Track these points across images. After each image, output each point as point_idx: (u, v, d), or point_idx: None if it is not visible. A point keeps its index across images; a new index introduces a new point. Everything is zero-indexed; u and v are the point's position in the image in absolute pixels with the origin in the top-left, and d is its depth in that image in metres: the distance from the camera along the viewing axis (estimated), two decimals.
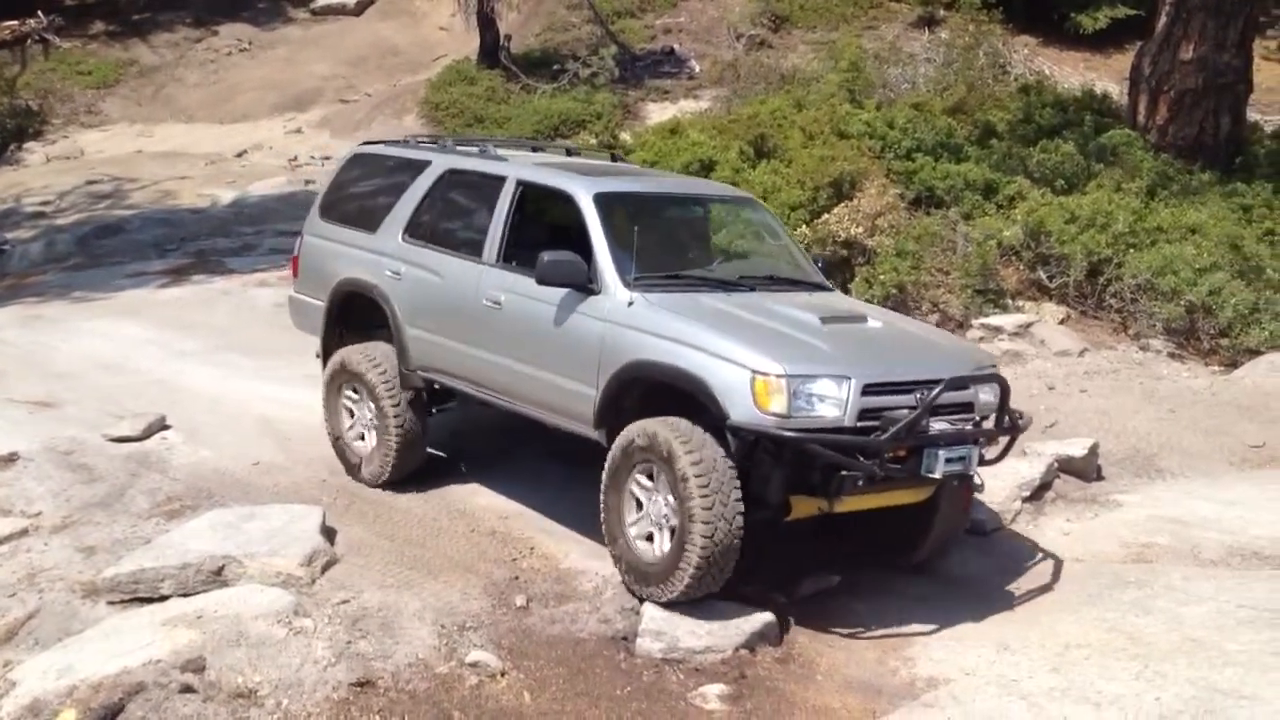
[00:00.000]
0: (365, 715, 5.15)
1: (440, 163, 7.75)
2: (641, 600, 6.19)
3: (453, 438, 8.32)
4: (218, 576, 6.15)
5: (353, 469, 7.82)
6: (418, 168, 7.84)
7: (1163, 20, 14.34)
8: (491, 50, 23.23)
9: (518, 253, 7.01)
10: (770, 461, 5.89)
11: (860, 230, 12.02)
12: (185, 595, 6.03)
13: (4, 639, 5.87)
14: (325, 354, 8.10)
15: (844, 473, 5.84)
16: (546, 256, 6.43)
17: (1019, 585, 6.83)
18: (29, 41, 25.96)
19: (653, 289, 6.47)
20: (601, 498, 6.32)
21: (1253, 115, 16.06)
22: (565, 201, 6.91)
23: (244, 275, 13.91)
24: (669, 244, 7.56)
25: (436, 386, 7.53)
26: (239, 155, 21.66)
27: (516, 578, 6.58)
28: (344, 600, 6.01)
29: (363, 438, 7.79)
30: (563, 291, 6.56)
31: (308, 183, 18.42)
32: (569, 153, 8.68)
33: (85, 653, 5.39)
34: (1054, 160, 13.55)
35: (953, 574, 6.99)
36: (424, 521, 7.26)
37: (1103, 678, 5.58)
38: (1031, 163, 13.67)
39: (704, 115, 17.64)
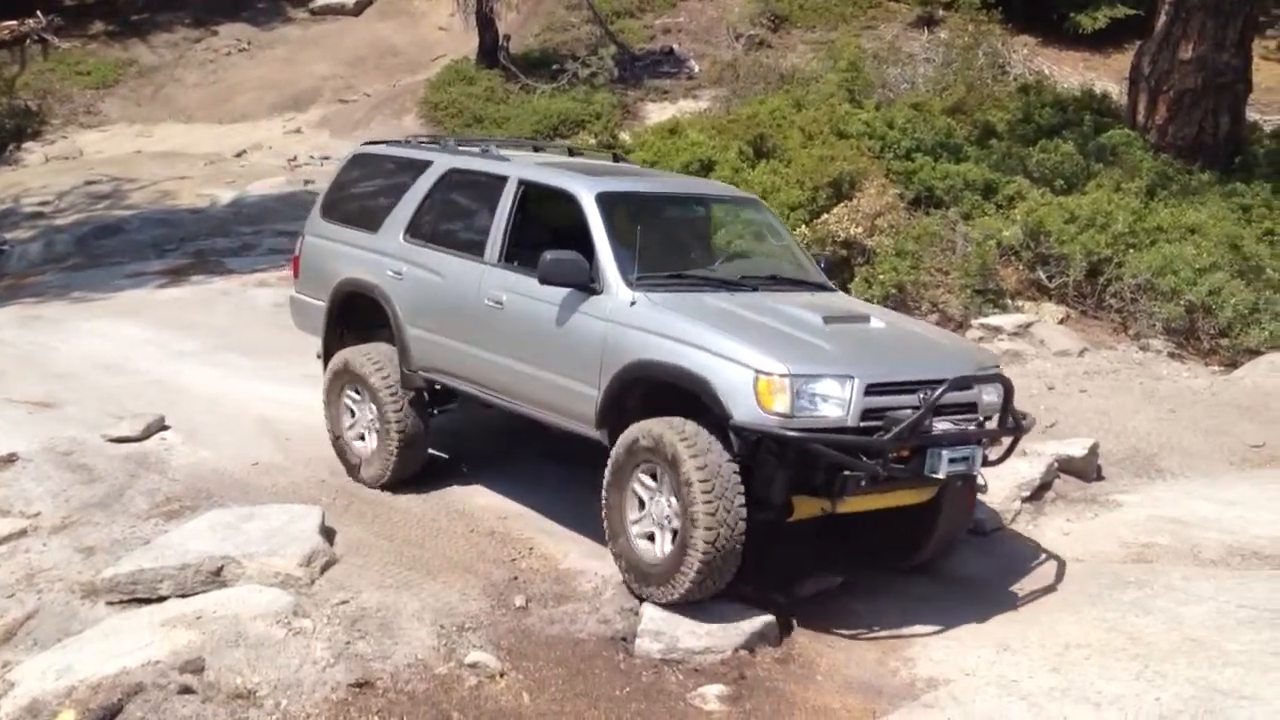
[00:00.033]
0: (364, 716, 5.15)
1: (442, 162, 7.74)
2: (641, 599, 6.18)
3: (453, 438, 8.31)
4: (217, 577, 6.15)
5: (352, 469, 7.81)
6: (419, 168, 7.84)
7: (1162, 20, 14.34)
8: (490, 50, 23.23)
9: (519, 252, 7.00)
10: (773, 462, 5.87)
11: (859, 230, 12.02)
12: (184, 596, 6.02)
13: (3, 639, 5.86)
14: (326, 354, 8.09)
15: (847, 473, 5.82)
16: (549, 256, 6.41)
17: (1019, 585, 6.83)
18: (28, 41, 25.95)
19: (655, 289, 6.45)
20: (603, 494, 6.30)
21: (1252, 115, 16.06)
22: (568, 201, 6.90)
23: (243, 275, 13.91)
24: (671, 244, 7.54)
25: (438, 387, 7.52)
26: (238, 155, 21.66)
27: (515, 578, 6.57)
28: (343, 601, 6.01)
29: (363, 438, 7.78)
30: (565, 291, 6.55)
31: (307, 183, 18.43)
32: (571, 153, 8.68)
33: (84, 653, 5.38)
34: (1053, 160, 13.56)
35: (953, 574, 6.99)
36: (423, 522, 7.26)
37: (1103, 678, 5.58)
38: (1031, 163, 13.67)
39: (703, 115, 17.65)
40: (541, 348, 6.71)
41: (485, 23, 23.19)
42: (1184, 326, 11.12)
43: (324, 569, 6.34)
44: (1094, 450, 8.31)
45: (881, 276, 11.41)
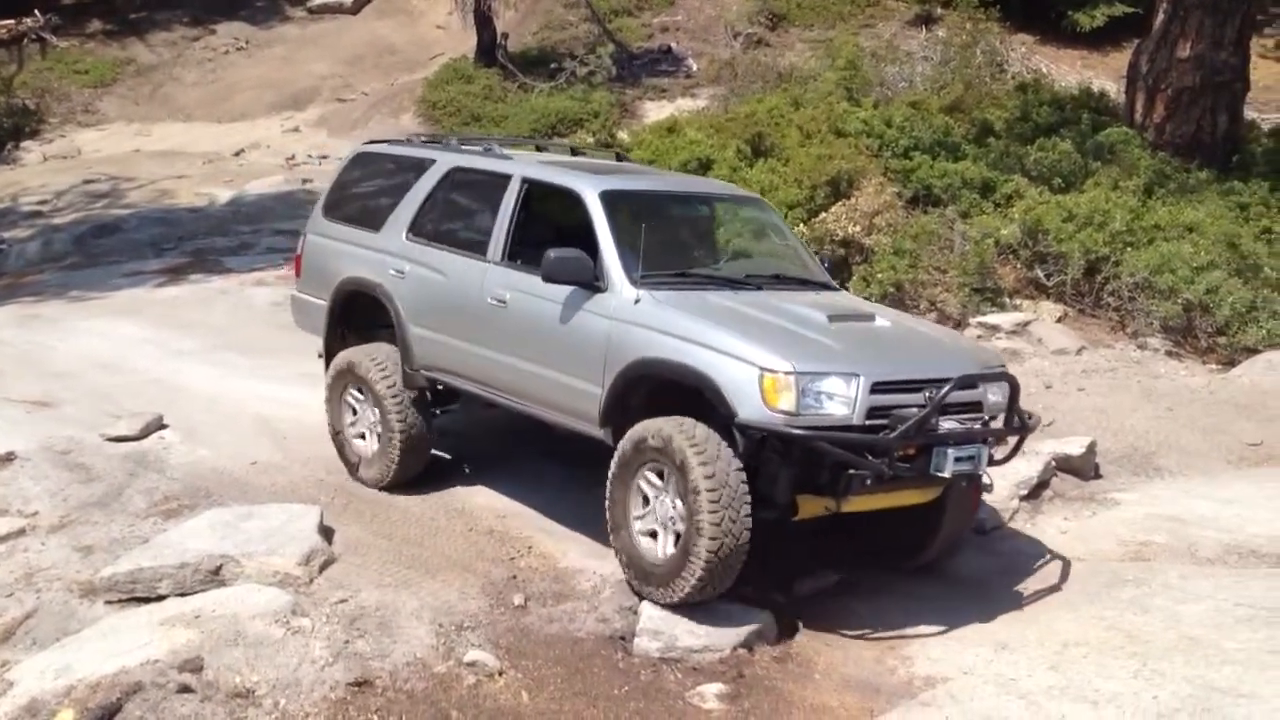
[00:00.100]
0: (363, 715, 5.15)
1: (444, 161, 7.73)
2: (640, 597, 6.18)
3: (456, 439, 8.30)
4: (215, 576, 6.14)
5: (351, 466, 7.81)
6: (421, 166, 7.83)
7: (1160, 18, 14.35)
8: (489, 49, 23.24)
9: (522, 251, 6.99)
10: (778, 460, 5.86)
11: (858, 229, 12.03)
12: (183, 595, 6.02)
13: (2, 639, 5.86)
14: (327, 354, 8.08)
15: (852, 472, 5.81)
16: (553, 254, 6.40)
17: (1017, 584, 6.83)
18: (26, 40, 25.95)
19: (659, 287, 6.44)
20: (608, 487, 6.26)
21: (1250, 113, 16.07)
22: (571, 200, 6.89)
23: (241, 274, 13.91)
24: (675, 242, 7.53)
25: (440, 387, 7.51)
26: (236, 154, 21.66)
27: (514, 577, 6.57)
28: (342, 600, 6.01)
29: (363, 436, 7.77)
30: (568, 289, 6.53)
31: (305, 181, 18.43)
32: (573, 152, 8.67)
33: (83, 653, 5.38)
34: (1051, 159, 13.56)
35: (951, 573, 6.99)
36: (422, 520, 7.26)
37: (1101, 676, 5.58)
38: (1029, 161, 13.68)
39: (701, 114, 17.65)
40: (545, 346, 6.70)
41: (483, 21, 23.19)
42: (1182, 325, 11.13)
43: (322, 568, 6.34)
44: (1092, 449, 8.32)
45: (879, 275, 11.42)
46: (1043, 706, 5.38)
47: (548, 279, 6.48)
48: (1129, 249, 11.65)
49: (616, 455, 6.22)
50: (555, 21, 25.54)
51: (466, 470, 7.94)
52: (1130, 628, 6.07)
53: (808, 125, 14.22)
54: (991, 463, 6.27)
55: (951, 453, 5.87)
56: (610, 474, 6.25)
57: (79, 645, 5.50)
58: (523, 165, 7.38)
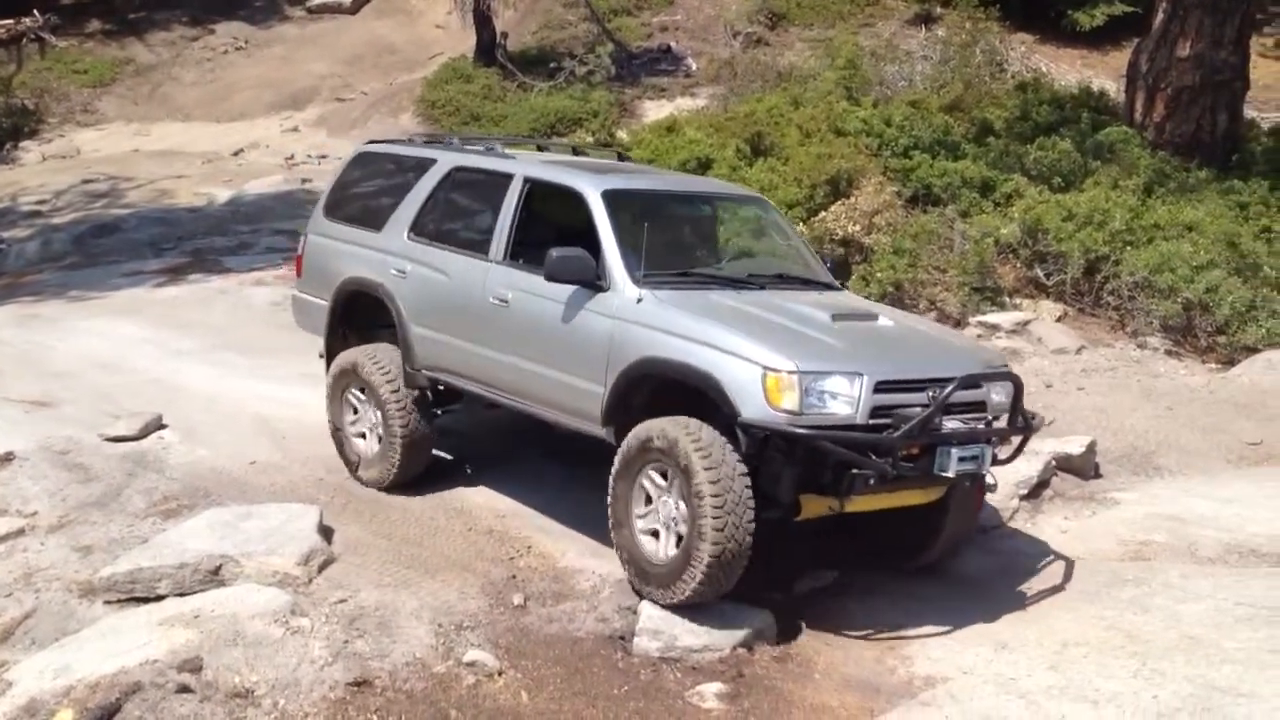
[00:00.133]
0: (362, 715, 5.15)
1: (446, 161, 7.72)
2: (640, 595, 6.18)
3: (457, 439, 8.29)
4: (215, 576, 6.14)
5: (350, 465, 7.80)
6: (423, 166, 7.82)
7: (1160, 17, 14.36)
8: (488, 48, 23.22)
9: (525, 250, 6.98)
10: (781, 459, 5.83)
11: (857, 228, 12.04)
12: (182, 595, 6.02)
13: (1, 639, 5.86)
14: (329, 354, 8.07)
15: (855, 471, 5.79)
16: (555, 253, 6.39)
17: (1017, 584, 6.82)
18: (25, 40, 25.93)
19: (662, 286, 6.43)
20: (610, 483, 6.24)
21: (1249, 112, 16.07)
22: (574, 199, 6.88)
23: (240, 274, 13.90)
24: (678, 242, 7.53)
25: (441, 387, 7.50)
26: (235, 154, 21.64)
27: (514, 576, 6.57)
28: (341, 600, 6.00)
29: (364, 436, 7.77)
30: (571, 289, 6.52)
31: (304, 181, 18.42)
32: (575, 151, 8.66)
33: (82, 653, 5.38)
34: (1051, 158, 13.56)
35: (951, 573, 6.98)
36: (421, 520, 7.25)
37: (1101, 676, 5.58)
38: (1028, 160, 13.68)
39: (701, 113, 17.65)
40: (547, 345, 6.69)
41: (482, 21, 23.17)
42: (1181, 324, 11.13)
43: (322, 568, 6.34)
44: (1092, 448, 8.31)
45: (879, 274, 11.42)
46: (1043, 706, 5.38)
47: (550, 278, 6.47)
48: (1129, 248, 11.65)
49: (621, 452, 6.19)
50: (554, 21, 25.54)
51: (468, 471, 7.93)
52: (1130, 627, 6.07)
53: (807, 124, 14.22)
54: (995, 463, 6.26)
55: (955, 452, 5.86)
56: (614, 471, 6.23)
57: (78, 645, 5.50)
58: (525, 165, 7.37)
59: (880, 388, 5.78)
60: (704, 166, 13.08)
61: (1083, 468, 8.22)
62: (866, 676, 5.88)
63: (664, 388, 6.17)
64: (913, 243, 11.82)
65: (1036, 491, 7.85)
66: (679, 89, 22.14)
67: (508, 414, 7.37)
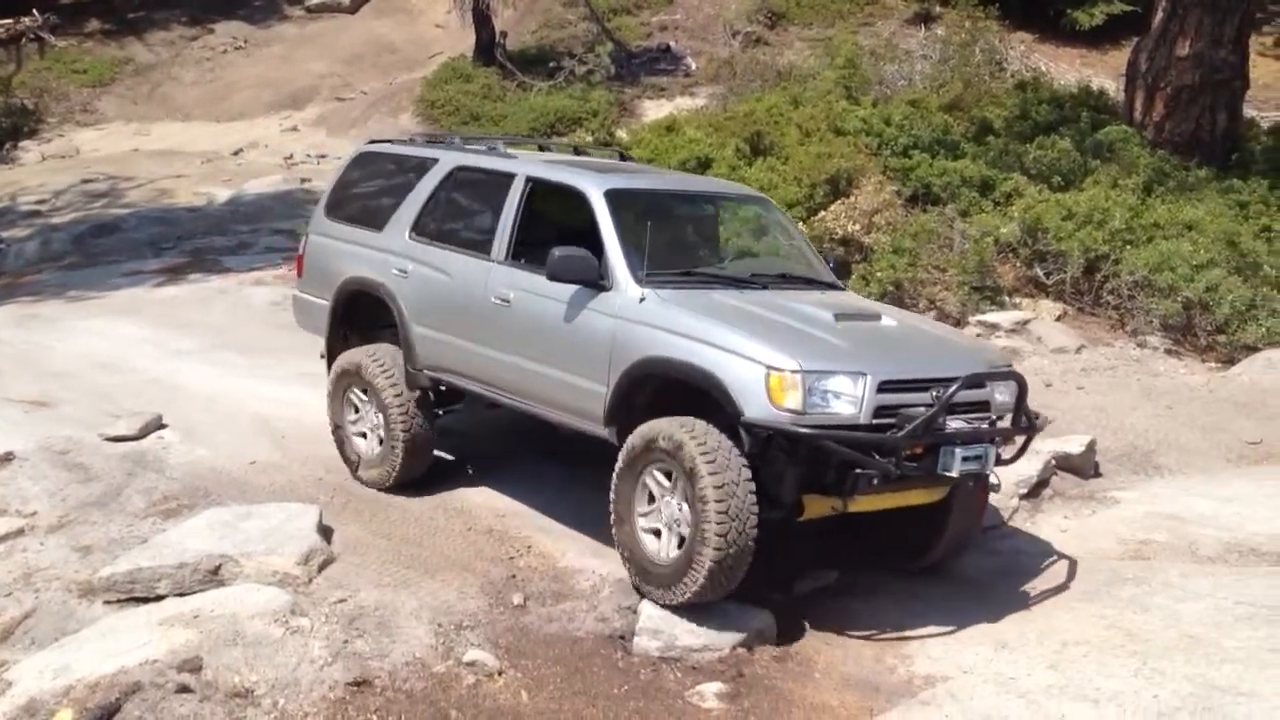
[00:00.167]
0: (362, 715, 5.15)
1: (448, 160, 7.71)
2: (640, 593, 6.17)
3: (459, 439, 8.29)
4: (214, 576, 6.14)
5: (350, 464, 7.80)
6: (424, 166, 7.81)
7: (1159, 16, 14.35)
8: (487, 47, 23.22)
9: (527, 250, 6.97)
10: (784, 459, 5.82)
11: (857, 227, 12.03)
12: (182, 595, 6.02)
13: (0, 639, 5.86)
14: (330, 354, 8.07)
15: (859, 471, 5.78)
16: (558, 252, 6.38)
17: (1016, 583, 6.82)
18: (24, 40, 25.93)
19: (665, 285, 6.42)
20: (613, 480, 6.23)
21: (1249, 111, 16.07)
22: (576, 198, 6.87)
23: (240, 274, 13.90)
24: (680, 241, 7.52)
25: (443, 387, 7.49)
26: (235, 153, 21.65)
27: (514, 576, 6.57)
28: (341, 599, 6.00)
29: (364, 435, 7.76)
30: (573, 288, 6.51)
31: (303, 181, 18.43)
32: (576, 151, 8.65)
33: (82, 652, 5.38)
34: (1050, 157, 13.55)
35: (951, 572, 6.98)
36: (421, 520, 7.25)
37: (1101, 675, 5.58)
38: (1028, 159, 13.67)
39: (700, 112, 17.63)
40: (549, 345, 6.68)
41: (482, 20, 23.16)
42: (1181, 323, 11.13)
43: (321, 567, 6.34)
44: (1091, 447, 8.31)
45: (879, 274, 11.41)
46: (1042, 705, 5.37)
47: (552, 278, 6.46)
48: (1128, 247, 11.65)
49: (625, 450, 6.18)
50: (554, 20, 25.54)
51: (470, 471, 7.93)
52: (1130, 626, 6.07)
53: (807, 124, 14.21)
54: (999, 462, 6.25)
55: (959, 452, 5.84)
56: (617, 468, 6.21)
57: (78, 645, 5.50)
58: (527, 164, 7.36)
59: (884, 387, 5.77)
60: (703, 166, 13.07)
61: (1082, 467, 8.22)
62: (866, 676, 5.88)
63: (667, 387, 6.16)
64: (912, 242, 11.82)
65: (1036, 491, 7.85)
66: (678, 88, 22.14)
67: (508, 414, 7.36)
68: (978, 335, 10.83)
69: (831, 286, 7.28)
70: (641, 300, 6.31)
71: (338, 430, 7.89)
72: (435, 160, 7.78)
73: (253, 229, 16.30)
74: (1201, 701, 5.24)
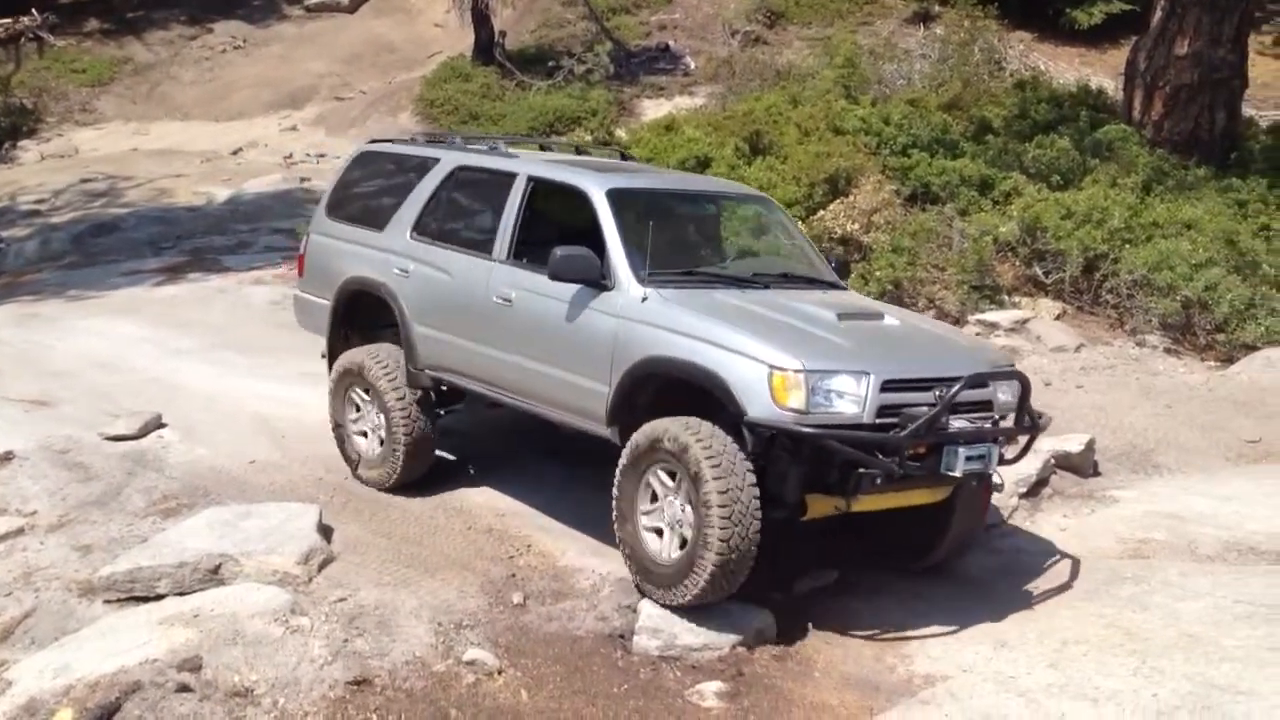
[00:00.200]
0: (362, 714, 5.15)
1: (449, 160, 7.71)
2: (641, 592, 6.17)
3: (460, 439, 8.29)
4: (214, 575, 6.14)
5: (352, 463, 7.81)
6: (425, 165, 7.81)
7: (1158, 15, 14.36)
8: (486, 47, 23.23)
9: (528, 249, 6.96)
10: (787, 459, 5.82)
11: (856, 226, 12.03)
12: (182, 594, 6.02)
13: (1, 638, 5.86)
14: (330, 354, 8.06)
15: (862, 471, 5.78)
16: (560, 252, 6.37)
17: (1016, 582, 6.82)
18: (23, 39, 25.92)
19: (667, 285, 6.41)
20: (616, 478, 6.21)
21: (1248, 110, 16.08)
22: (578, 198, 6.86)
23: (239, 273, 13.90)
24: (682, 241, 7.52)
25: (444, 386, 7.49)
26: (234, 153, 21.66)
27: (514, 575, 6.57)
28: (340, 598, 6.00)
29: (365, 435, 7.76)
30: (575, 288, 6.51)
31: (303, 180, 18.44)
32: (577, 151, 8.65)
33: (82, 652, 5.38)
34: (1049, 156, 13.56)
35: (951, 571, 6.98)
36: (420, 519, 7.26)
37: (1100, 673, 5.58)
38: (1027, 158, 13.67)
39: (699, 112, 17.64)
40: (551, 345, 6.67)
41: (481, 19, 23.17)
42: (1180, 322, 11.13)
43: (321, 567, 6.34)
44: (1090, 446, 8.31)
45: (878, 273, 11.42)
46: (1042, 704, 5.38)
47: (554, 277, 6.46)
48: (1127, 246, 11.65)
49: (629, 448, 6.16)
50: (553, 19, 25.55)
51: (471, 471, 7.93)
52: (1129, 625, 6.07)
53: (806, 123, 14.21)
54: (1001, 462, 6.25)
55: (962, 452, 5.84)
56: (620, 465, 6.20)
57: (78, 644, 5.50)
58: (528, 164, 7.36)
59: (887, 387, 5.77)
60: (703, 165, 13.07)
61: (1082, 466, 8.22)
62: (866, 675, 5.88)
63: (669, 387, 6.15)
64: (911, 241, 11.82)
65: (1036, 490, 7.85)
66: (677, 88, 22.15)
67: (508, 413, 7.37)
68: (977, 334, 10.82)
69: (833, 286, 7.28)
70: (644, 300, 6.30)
71: (338, 429, 7.89)
72: (436, 160, 7.77)
73: (252, 228, 16.30)
74: (1200, 700, 5.25)
